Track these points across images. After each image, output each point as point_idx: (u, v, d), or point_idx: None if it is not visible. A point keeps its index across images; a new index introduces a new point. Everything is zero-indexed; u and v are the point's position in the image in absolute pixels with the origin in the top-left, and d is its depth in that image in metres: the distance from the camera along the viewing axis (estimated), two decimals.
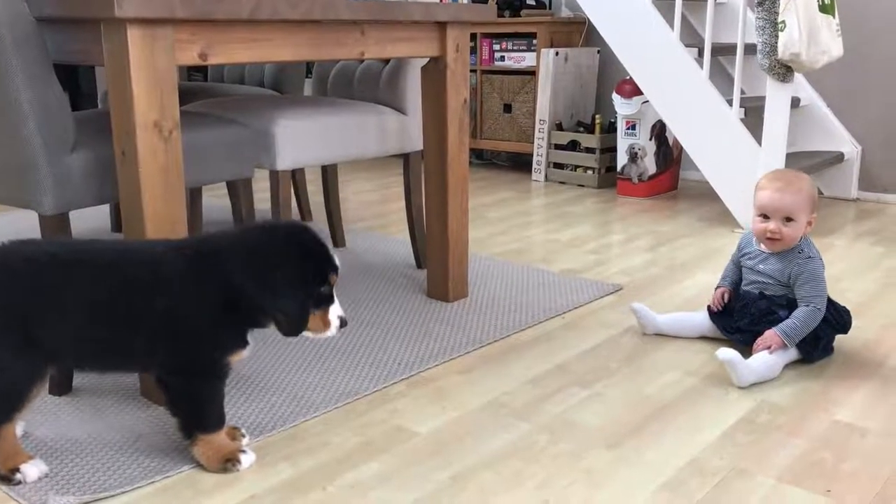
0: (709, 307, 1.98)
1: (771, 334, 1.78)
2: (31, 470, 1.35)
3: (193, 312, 1.33)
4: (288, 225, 1.42)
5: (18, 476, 1.33)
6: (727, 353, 1.71)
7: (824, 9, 2.81)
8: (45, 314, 1.28)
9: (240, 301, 1.33)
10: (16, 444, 1.37)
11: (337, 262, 1.39)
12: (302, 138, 2.17)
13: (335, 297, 1.41)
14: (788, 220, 1.83)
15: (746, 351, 1.81)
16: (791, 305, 1.84)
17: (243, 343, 1.40)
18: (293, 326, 1.36)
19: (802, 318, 1.79)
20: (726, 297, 1.97)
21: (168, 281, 1.33)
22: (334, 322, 1.40)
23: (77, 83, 4.44)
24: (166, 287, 1.32)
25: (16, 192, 1.68)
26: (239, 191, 2.14)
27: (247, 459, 1.42)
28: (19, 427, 1.45)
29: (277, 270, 1.32)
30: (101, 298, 1.31)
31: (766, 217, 1.85)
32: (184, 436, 1.40)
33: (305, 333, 1.39)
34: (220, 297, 1.34)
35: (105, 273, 1.33)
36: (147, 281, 1.33)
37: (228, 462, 1.40)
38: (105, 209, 3.23)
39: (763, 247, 1.89)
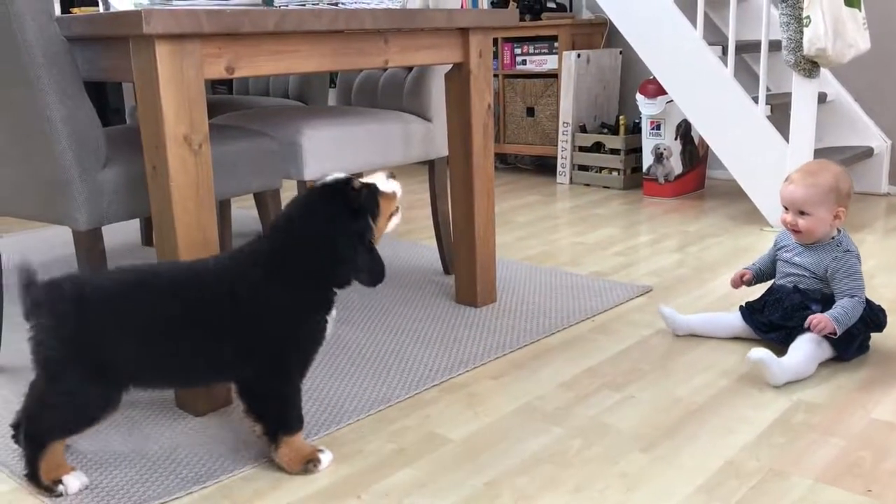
0: (741, 307, 1.97)
1: (824, 318, 1.75)
2: (73, 482, 1.37)
3: (282, 316, 1.37)
4: (311, 201, 1.43)
5: (61, 488, 1.36)
6: (758, 353, 1.69)
7: (850, 2, 2.77)
8: (121, 340, 1.31)
9: (320, 285, 1.40)
10: (60, 456, 1.39)
11: (346, 176, 1.42)
12: (328, 148, 2.18)
13: (371, 182, 1.45)
14: (802, 213, 1.82)
15: (781, 350, 1.79)
16: (825, 300, 1.82)
17: (325, 328, 1.44)
18: (375, 275, 1.42)
19: (849, 307, 1.77)
20: (746, 277, 1.99)
21: (249, 290, 1.36)
22: (389, 186, 1.46)
23: (105, 99, 4.50)
24: (250, 297, 1.36)
25: (50, 208, 1.71)
26: (267, 202, 2.16)
27: (326, 459, 1.45)
28: None
29: (342, 247, 1.38)
30: (182, 320, 1.34)
31: (786, 209, 1.86)
32: (269, 440, 1.42)
33: (394, 219, 1.47)
34: (303, 291, 1.39)
35: (182, 294, 1.36)
36: (227, 294, 1.36)
37: (310, 463, 1.43)
38: (135, 223, 3.27)
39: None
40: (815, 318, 1.76)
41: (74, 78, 1.61)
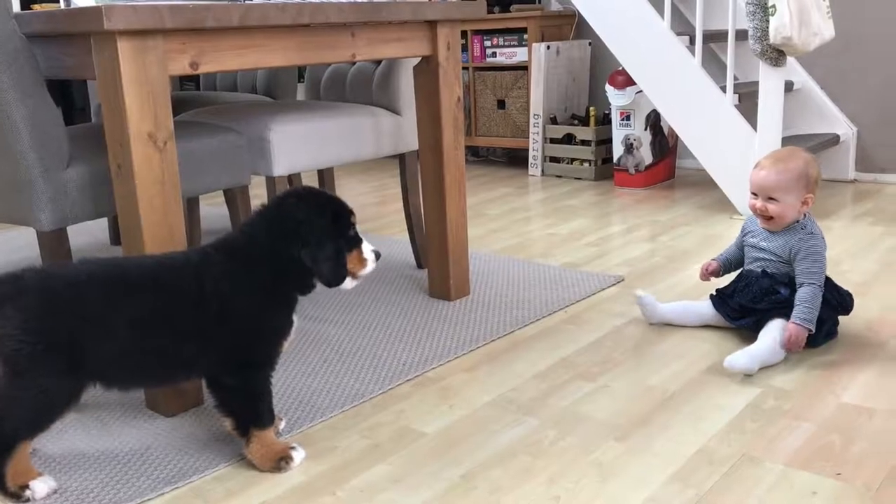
0: (711, 295, 1.98)
1: (795, 330, 1.76)
2: (41, 486, 1.35)
3: (246, 306, 1.37)
4: (297, 190, 1.46)
5: (28, 493, 1.33)
6: (738, 363, 1.70)
7: None
8: (91, 335, 1.29)
9: (286, 274, 1.39)
10: (27, 461, 1.36)
11: (350, 206, 1.46)
12: (297, 143, 2.16)
13: (362, 237, 1.48)
14: (771, 199, 1.84)
15: (752, 337, 1.81)
16: (792, 283, 1.84)
17: (291, 323, 1.44)
18: (335, 272, 1.41)
19: (809, 299, 1.79)
20: (712, 268, 2.00)
21: (215, 282, 1.36)
22: (369, 256, 1.47)
23: (70, 98, 4.43)
24: (214, 289, 1.35)
25: (13, 209, 1.68)
26: (236, 198, 2.14)
27: (298, 456, 1.44)
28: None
29: (308, 228, 1.37)
30: (150, 311, 1.33)
31: (755, 195, 1.88)
32: (239, 434, 1.42)
33: (349, 280, 1.45)
34: (267, 281, 1.38)
35: (149, 286, 1.34)
36: (194, 287, 1.35)
37: (282, 460, 1.42)
38: (103, 223, 3.23)
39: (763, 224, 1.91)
40: (788, 338, 1.76)
41: (35, 76, 1.58)
